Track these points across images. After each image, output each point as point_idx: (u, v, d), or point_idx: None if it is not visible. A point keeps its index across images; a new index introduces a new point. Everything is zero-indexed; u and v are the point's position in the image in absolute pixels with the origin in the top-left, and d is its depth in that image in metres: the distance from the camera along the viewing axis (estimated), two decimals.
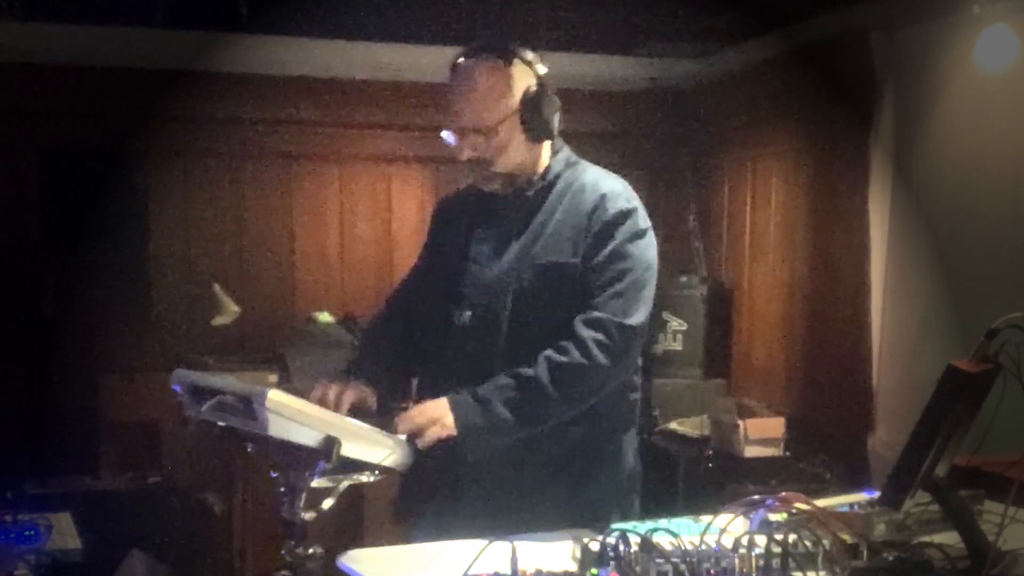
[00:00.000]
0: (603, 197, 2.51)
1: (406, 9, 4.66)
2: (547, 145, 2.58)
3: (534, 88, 2.51)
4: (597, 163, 2.66)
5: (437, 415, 2.37)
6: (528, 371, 2.40)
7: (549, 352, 2.41)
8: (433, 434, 2.35)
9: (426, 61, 4.89)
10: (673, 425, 5.26)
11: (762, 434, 4.78)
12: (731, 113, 5.70)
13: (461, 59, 2.54)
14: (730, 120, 5.71)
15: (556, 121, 2.55)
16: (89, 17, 4.69)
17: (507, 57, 2.51)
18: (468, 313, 2.53)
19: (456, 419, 2.37)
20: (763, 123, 5.44)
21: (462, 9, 4.57)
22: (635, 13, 4.78)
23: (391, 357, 2.66)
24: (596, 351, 2.41)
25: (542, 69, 2.55)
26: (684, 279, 5.60)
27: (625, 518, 2.52)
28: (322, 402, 2.44)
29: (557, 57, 5.07)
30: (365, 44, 5.19)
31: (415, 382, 2.73)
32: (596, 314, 2.43)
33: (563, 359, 2.40)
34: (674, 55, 5.55)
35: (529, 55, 2.54)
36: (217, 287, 5.19)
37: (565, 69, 5.34)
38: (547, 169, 2.58)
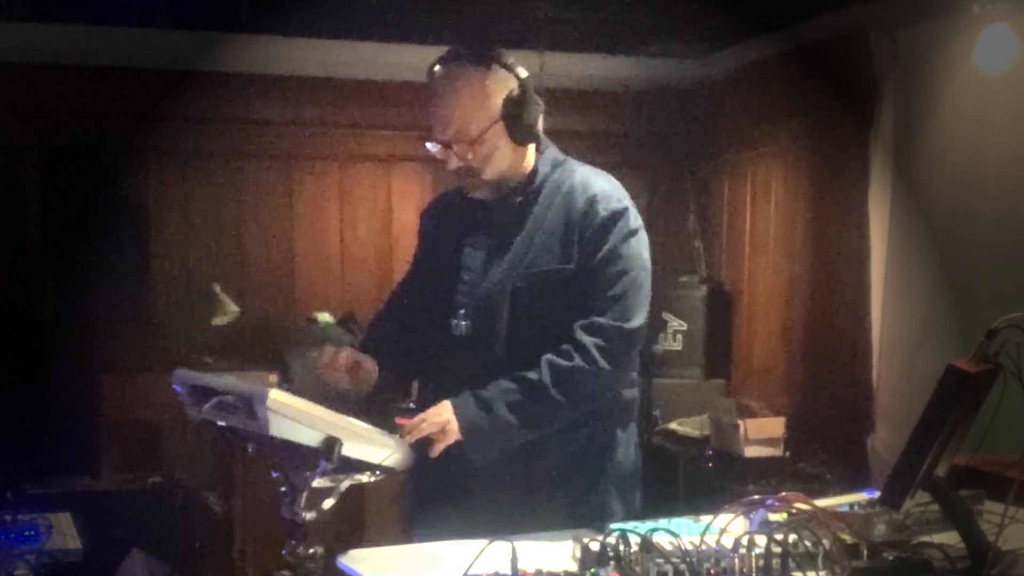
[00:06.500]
0: (593, 199, 2.48)
1: (405, 9, 4.67)
2: (532, 146, 2.55)
3: (516, 92, 2.45)
4: (598, 163, 2.64)
5: (441, 421, 2.37)
6: (531, 375, 2.40)
7: (551, 356, 2.41)
8: (440, 445, 2.37)
9: (425, 61, 4.87)
10: (673, 425, 5.26)
11: (762, 434, 4.78)
12: (731, 113, 5.69)
13: (438, 67, 2.49)
14: (730, 120, 5.71)
15: (540, 123, 2.51)
16: (89, 17, 4.70)
17: (485, 63, 2.46)
18: (466, 323, 2.52)
19: (459, 422, 2.38)
20: (763, 123, 5.43)
21: (462, 9, 4.57)
22: (635, 13, 4.78)
23: (393, 357, 2.64)
24: (598, 356, 2.40)
25: (523, 72, 2.48)
26: (684, 279, 5.60)
27: (628, 513, 2.53)
28: (326, 361, 2.47)
29: (557, 57, 5.14)
30: (365, 44, 5.19)
31: (415, 383, 2.73)
32: (596, 319, 2.43)
33: (566, 364, 2.40)
34: (674, 55, 5.55)
35: (508, 59, 2.48)
36: (217, 287, 5.18)
37: (565, 69, 5.39)
38: (534, 172, 2.54)
